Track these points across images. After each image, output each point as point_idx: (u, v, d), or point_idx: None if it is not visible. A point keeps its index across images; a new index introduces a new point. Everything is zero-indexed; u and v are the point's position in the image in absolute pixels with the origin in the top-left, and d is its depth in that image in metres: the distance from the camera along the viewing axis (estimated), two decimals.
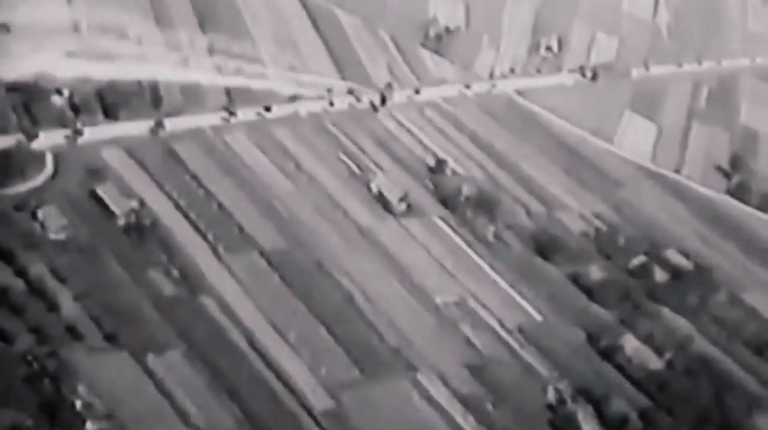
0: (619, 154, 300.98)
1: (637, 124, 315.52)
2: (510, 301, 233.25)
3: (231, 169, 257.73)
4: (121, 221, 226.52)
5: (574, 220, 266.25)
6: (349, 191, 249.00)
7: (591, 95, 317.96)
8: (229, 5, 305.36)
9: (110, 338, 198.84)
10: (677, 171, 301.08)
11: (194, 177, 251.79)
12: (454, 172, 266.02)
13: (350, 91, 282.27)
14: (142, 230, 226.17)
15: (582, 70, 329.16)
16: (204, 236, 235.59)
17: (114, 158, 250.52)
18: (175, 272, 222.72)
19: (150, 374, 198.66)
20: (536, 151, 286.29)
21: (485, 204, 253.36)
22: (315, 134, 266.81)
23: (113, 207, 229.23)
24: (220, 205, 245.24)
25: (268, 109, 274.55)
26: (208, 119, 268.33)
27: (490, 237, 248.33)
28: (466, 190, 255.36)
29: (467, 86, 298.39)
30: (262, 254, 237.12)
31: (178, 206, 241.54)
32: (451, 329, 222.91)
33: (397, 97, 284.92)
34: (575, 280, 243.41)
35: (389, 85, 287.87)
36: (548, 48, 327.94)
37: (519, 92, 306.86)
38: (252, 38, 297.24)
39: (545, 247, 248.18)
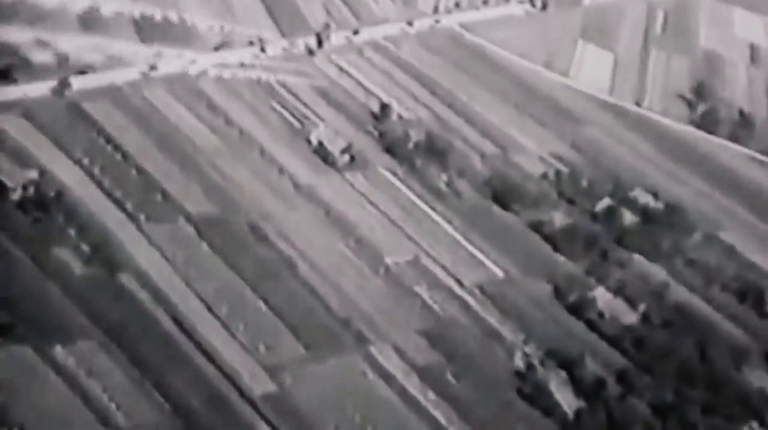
0: (576, 87, 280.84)
1: (592, 54, 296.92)
2: (467, 257, 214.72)
3: (152, 127, 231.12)
4: (16, 195, 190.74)
5: (533, 162, 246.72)
6: (286, 145, 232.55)
7: (541, 26, 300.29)
8: None
9: (5, 331, 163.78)
10: (638, 103, 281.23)
11: (108, 139, 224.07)
12: (400, 117, 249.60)
13: (283, 35, 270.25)
14: (44, 203, 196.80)
15: (531, 0, 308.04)
16: (121, 205, 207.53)
17: (8, 125, 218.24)
18: (86, 248, 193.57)
19: (57, 368, 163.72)
20: (487, 88, 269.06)
21: (435, 150, 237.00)
22: (245, 85, 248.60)
23: (4, 180, 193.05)
24: (138, 169, 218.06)
25: (192, 61, 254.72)
26: (124, 75, 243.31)
27: (443, 186, 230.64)
28: (414, 135, 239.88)
29: (409, 23, 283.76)
30: (188, 220, 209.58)
31: (89, 173, 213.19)
32: (404, 293, 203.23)
33: (335, 39, 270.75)
34: (537, 229, 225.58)
35: (326, 27, 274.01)
36: None
37: (464, 26, 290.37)
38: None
39: (503, 194, 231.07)
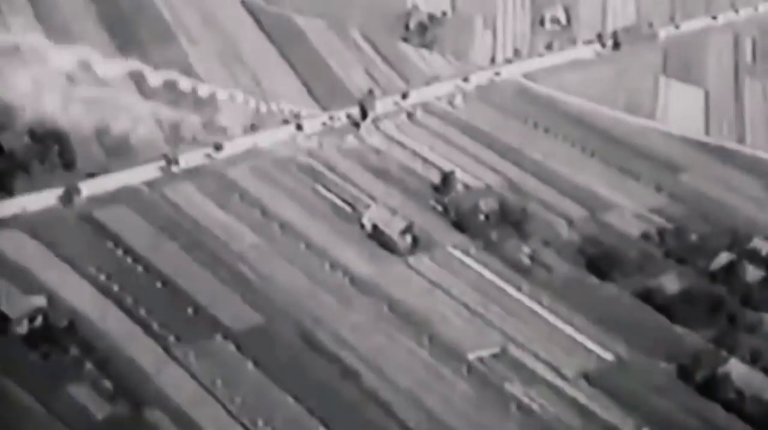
0: (666, 130, 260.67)
1: (679, 92, 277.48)
2: (566, 341, 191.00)
3: (176, 231, 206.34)
4: (21, 328, 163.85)
5: (629, 221, 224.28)
6: (336, 234, 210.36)
7: (616, 66, 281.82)
8: (155, 20, 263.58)
9: None
10: (740, 141, 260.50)
11: (127, 250, 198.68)
12: (466, 186, 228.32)
13: (323, 109, 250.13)
14: (54, 335, 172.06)
15: (600, 39, 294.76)
16: (145, 326, 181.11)
17: (6, 243, 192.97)
18: (108, 384, 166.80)
19: None
20: (563, 142, 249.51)
21: (512, 220, 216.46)
22: (282, 169, 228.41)
23: (6, 311, 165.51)
24: (164, 281, 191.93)
25: (218, 147, 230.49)
26: (140, 173, 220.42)
27: (526, 261, 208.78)
28: (485, 205, 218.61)
29: (465, 79, 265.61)
30: (227, 336, 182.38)
31: (106, 292, 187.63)
32: (494, 394, 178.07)
33: (381, 105, 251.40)
34: (647, 298, 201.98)
35: (370, 93, 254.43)
36: (555, 20, 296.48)
37: (528, 76, 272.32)
38: (189, 64, 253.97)
39: (599, 262, 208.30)
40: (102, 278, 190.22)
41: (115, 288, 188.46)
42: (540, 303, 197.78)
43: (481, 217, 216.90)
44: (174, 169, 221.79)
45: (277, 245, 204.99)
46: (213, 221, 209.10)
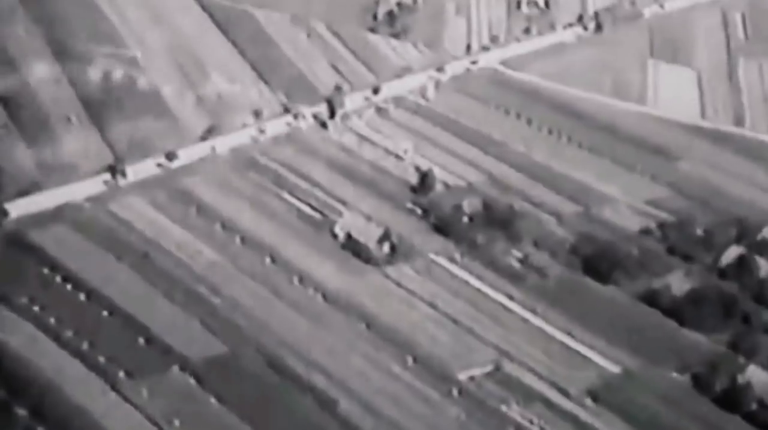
0: (658, 115, 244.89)
1: (669, 74, 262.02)
2: (567, 353, 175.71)
3: (124, 251, 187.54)
4: None
5: (626, 216, 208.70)
6: (305, 245, 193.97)
7: (600, 50, 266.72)
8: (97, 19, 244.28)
9: None
10: (738, 123, 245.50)
11: (67, 275, 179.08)
12: (446, 185, 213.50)
13: (286, 108, 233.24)
14: None
15: (582, 22, 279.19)
16: (89, 361, 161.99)
17: None
18: None
19: None
20: (547, 133, 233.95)
21: (498, 220, 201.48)
22: (243, 176, 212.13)
23: None
24: (111, 310, 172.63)
25: (170, 156, 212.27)
26: (82, 189, 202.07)
27: (516, 265, 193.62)
28: (468, 205, 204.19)
29: (439, 70, 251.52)
30: (184, 367, 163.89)
31: (41, 325, 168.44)
32: (489, 417, 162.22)
33: (350, 102, 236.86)
34: (652, 301, 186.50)
35: (338, 89, 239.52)
36: (532, 3, 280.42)
37: (507, 64, 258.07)
38: (138, 63, 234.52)
39: (597, 262, 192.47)
40: (36, 309, 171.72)
41: (52, 320, 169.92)
42: (535, 312, 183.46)
43: (465, 218, 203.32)
44: (121, 182, 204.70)
45: (240, 261, 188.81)
46: (166, 238, 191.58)
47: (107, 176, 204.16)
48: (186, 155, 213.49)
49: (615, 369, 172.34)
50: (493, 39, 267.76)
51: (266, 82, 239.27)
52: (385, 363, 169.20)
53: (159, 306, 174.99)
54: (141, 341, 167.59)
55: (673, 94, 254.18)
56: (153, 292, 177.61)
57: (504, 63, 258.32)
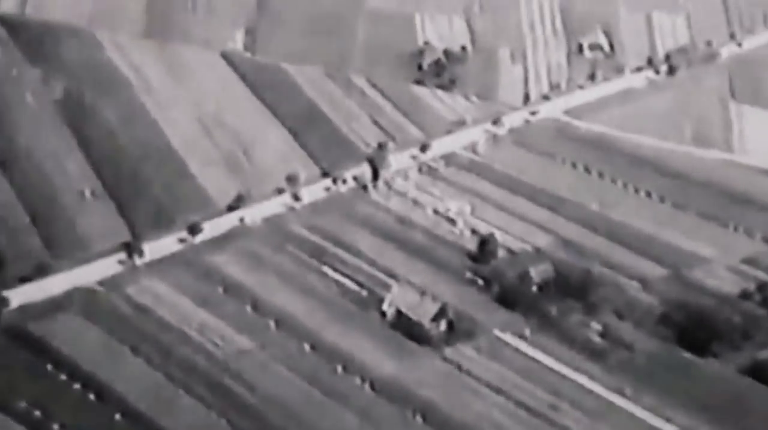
0: (746, 163, 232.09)
1: (754, 118, 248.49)
2: None
3: (141, 341, 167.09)
4: None
5: (721, 277, 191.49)
6: (350, 326, 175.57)
7: (675, 94, 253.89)
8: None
9: None
10: None
11: (73, 372, 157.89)
12: (509, 251, 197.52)
13: (324, 173, 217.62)
14: None
15: (651, 64, 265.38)
16: None
17: None
18: None
19: None
20: (622, 187, 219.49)
21: (572, 289, 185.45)
22: (276, 249, 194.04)
23: None
24: (125, 411, 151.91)
25: (194, 230, 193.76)
26: (93, 271, 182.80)
27: (597, 339, 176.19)
28: (537, 273, 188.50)
29: (495, 122, 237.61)
30: None
31: None
32: None
33: (396, 161, 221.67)
34: (759, 374, 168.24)
35: (381, 148, 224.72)
36: (595, 46, 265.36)
37: (571, 113, 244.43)
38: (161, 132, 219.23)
39: (692, 332, 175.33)
40: (37, 414, 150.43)
41: (55, 427, 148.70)
42: (622, 393, 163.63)
43: (534, 288, 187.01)
44: (138, 261, 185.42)
45: (274, 348, 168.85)
46: (190, 324, 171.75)
47: (122, 256, 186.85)
48: (212, 228, 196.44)
49: None
50: (554, 87, 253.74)
51: (301, 143, 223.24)
52: None
53: (181, 405, 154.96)
54: None
55: (761, 139, 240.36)
56: (173, 389, 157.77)
57: (568, 112, 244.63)
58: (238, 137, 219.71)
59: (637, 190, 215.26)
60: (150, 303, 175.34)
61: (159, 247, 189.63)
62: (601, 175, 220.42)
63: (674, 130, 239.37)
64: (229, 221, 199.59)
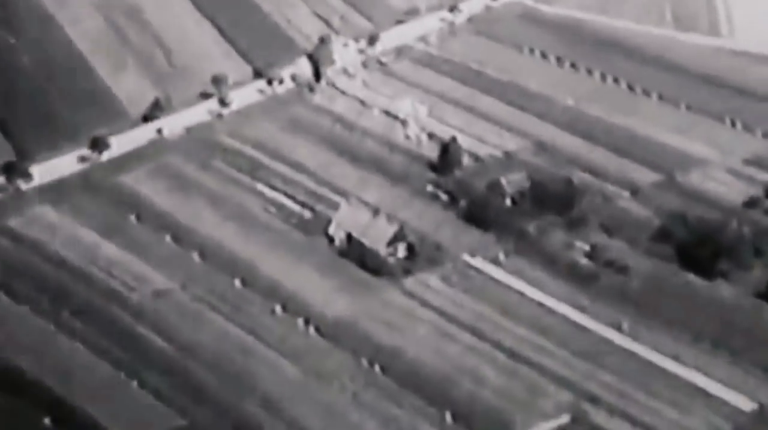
0: (738, 48, 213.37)
1: None
2: (673, 387, 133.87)
3: (29, 283, 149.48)
4: None
5: (723, 181, 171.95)
6: (290, 255, 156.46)
7: None
8: None
9: None
10: None
11: None
12: (475, 157, 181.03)
13: (257, 72, 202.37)
14: None
15: None
16: None
17: None
18: None
19: None
20: (600, 79, 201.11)
21: (552, 199, 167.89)
22: (201, 165, 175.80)
23: None
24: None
25: (98, 145, 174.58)
26: None
27: (583, 260, 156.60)
28: (510, 183, 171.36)
29: (452, 10, 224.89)
30: None
31: None
32: None
33: (342, 57, 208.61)
34: None
35: (322, 42, 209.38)
36: None
37: None
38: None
39: (694, 249, 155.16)
40: None
41: None
42: (619, 329, 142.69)
43: (507, 201, 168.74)
44: (23, 186, 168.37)
45: (199, 285, 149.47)
46: (93, 260, 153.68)
47: (1, 180, 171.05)
48: (122, 143, 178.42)
49: (747, 406, 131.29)
50: None
51: (229, 39, 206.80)
52: (413, 425, 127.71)
53: (78, 364, 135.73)
54: None
55: (753, 22, 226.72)
56: (69, 342, 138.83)
57: None
58: (154, 34, 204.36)
59: (617, 82, 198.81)
60: (40, 236, 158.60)
61: (53, 167, 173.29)
62: (574, 65, 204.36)
63: (653, 12, 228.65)
64: (144, 133, 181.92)
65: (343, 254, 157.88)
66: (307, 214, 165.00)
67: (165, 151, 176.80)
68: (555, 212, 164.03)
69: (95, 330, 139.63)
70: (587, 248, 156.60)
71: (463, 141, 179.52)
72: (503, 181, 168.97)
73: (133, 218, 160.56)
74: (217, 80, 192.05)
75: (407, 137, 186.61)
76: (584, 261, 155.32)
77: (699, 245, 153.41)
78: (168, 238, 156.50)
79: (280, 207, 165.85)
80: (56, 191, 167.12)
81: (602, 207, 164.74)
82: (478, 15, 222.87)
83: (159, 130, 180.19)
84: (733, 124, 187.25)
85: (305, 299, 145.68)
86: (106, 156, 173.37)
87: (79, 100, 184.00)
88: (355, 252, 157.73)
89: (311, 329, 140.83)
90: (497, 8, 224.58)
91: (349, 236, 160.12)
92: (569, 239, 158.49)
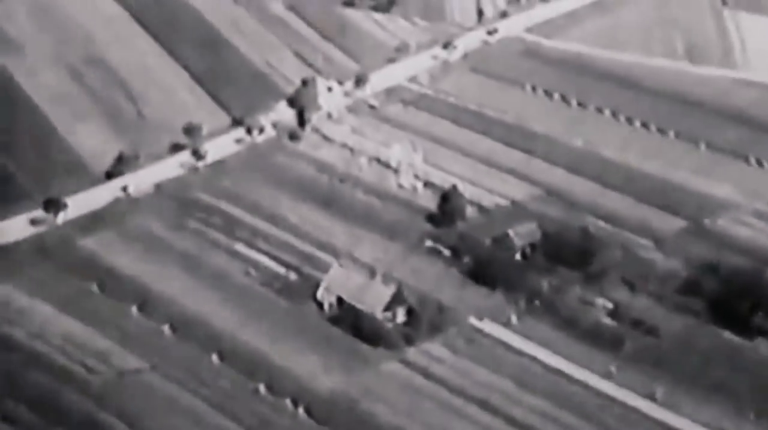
0: (753, 78, 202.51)
1: (756, 27, 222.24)
2: None
3: None
4: None
5: (751, 225, 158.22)
6: (274, 325, 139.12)
7: (657, 4, 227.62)
8: None
9: None
10: None
11: None
12: (479, 207, 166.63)
13: (234, 120, 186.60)
14: None
15: None
16: None
17: None
18: None
19: None
20: (612, 116, 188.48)
21: (567, 252, 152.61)
22: (174, 225, 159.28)
23: None
24: None
25: (53, 206, 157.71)
26: None
27: (606, 320, 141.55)
28: (519, 236, 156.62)
29: (446, 46, 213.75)
30: None
31: None
32: None
33: (326, 101, 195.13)
34: None
35: (305, 85, 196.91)
36: None
37: (535, 30, 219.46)
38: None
39: (730, 304, 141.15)
40: None
41: None
42: (651, 398, 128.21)
43: (517, 256, 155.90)
44: None
45: (170, 364, 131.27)
46: (49, 338, 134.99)
47: None
48: (81, 203, 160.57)
49: None
50: (513, 0, 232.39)
51: (203, 84, 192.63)
52: None
53: None
54: None
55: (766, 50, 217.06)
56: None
57: (532, 30, 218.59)
58: (119, 81, 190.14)
59: (629, 120, 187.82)
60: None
61: (1, 232, 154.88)
62: (581, 103, 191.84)
63: (662, 45, 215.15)
64: (108, 191, 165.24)
65: (334, 321, 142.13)
66: (293, 276, 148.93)
67: (131, 210, 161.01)
68: (571, 267, 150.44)
69: (48, 421, 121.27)
70: (609, 305, 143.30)
71: (465, 189, 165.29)
72: (511, 233, 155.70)
73: (94, 287, 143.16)
74: (191, 130, 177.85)
75: (401, 186, 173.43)
76: (607, 321, 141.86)
77: (734, 297, 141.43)
78: (134, 310, 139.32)
79: (263, 270, 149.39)
80: (4, 258, 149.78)
81: (623, 259, 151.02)
82: (474, 51, 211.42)
83: (124, 188, 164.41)
84: (759, 163, 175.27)
85: (293, 375, 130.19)
86: (62, 218, 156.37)
87: (34, 156, 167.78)
88: (348, 319, 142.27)
89: (300, 411, 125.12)
90: (495, 44, 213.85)
91: (340, 301, 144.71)
92: (588, 297, 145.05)
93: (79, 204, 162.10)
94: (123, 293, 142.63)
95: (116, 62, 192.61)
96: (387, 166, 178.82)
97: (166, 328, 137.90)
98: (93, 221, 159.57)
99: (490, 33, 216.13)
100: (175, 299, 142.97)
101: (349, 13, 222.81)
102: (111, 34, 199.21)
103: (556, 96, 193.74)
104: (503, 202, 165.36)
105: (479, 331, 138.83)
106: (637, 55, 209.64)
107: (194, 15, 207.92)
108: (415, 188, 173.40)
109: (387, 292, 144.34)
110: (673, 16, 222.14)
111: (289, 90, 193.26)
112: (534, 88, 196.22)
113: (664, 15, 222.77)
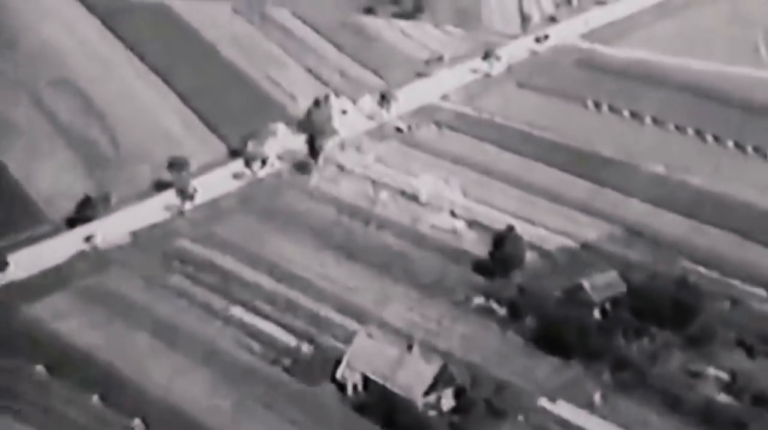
0: None
1: None
2: None
3: None
4: None
5: None
6: (283, 415, 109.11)
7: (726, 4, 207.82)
8: None
9: None
10: None
11: None
12: (540, 252, 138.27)
13: (232, 151, 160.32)
14: None
15: None
16: None
17: None
18: None
19: None
20: (696, 136, 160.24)
21: (661, 310, 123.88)
22: (152, 283, 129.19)
23: None
24: None
25: None
26: None
27: (718, 395, 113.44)
28: (596, 289, 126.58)
29: (487, 56, 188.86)
30: None
31: None
32: None
33: (344, 125, 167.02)
34: None
35: (317, 105, 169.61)
36: None
37: (592, 37, 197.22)
38: None
39: None
40: None
41: None
42: None
43: (595, 314, 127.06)
44: None
45: None
46: None
47: None
48: (32, 258, 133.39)
49: None
50: (563, 3, 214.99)
51: (193, 108, 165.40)
52: None
53: None
54: None
55: None
56: None
57: (588, 36, 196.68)
58: (92, 108, 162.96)
59: (718, 140, 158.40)
60: None
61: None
62: (657, 121, 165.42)
63: (742, 46, 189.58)
64: (68, 243, 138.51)
65: (360, 408, 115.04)
66: (306, 349, 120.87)
67: (98, 267, 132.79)
68: (667, 327, 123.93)
69: None
70: (724, 376, 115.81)
71: (521, 229, 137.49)
72: (586, 284, 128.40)
73: (40, 369, 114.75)
74: (176, 164, 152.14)
75: (434, 227, 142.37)
76: (721, 397, 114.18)
77: None
78: (95, 399, 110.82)
79: (266, 341, 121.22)
80: None
81: (734, 315, 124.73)
82: (520, 63, 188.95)
83: (89, 238, 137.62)
84: None
85: None
86: (4, 279, 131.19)
87: None
88: (378, 405, 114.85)
89: None
90: (545, 54, 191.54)
91: (367, 381, 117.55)
92: (694, 366, 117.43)
93: (27, 261, 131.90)
94: (81, 377, 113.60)
95: (87, 85, 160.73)
96: (419, 201, 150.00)
97: (137, 424, 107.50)
98: (46, 280, 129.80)
99: (538, 40, 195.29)
100: (148, 384, 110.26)
101: (369, 21, 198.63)
102: (81, 50, 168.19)
103: (624, 112, 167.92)
104: (571, 244, 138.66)
105: (553, 416, 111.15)
106: (714, 63, 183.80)
107: (182, 24, 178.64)
108: (454, 229, 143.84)
109: (429, 369, 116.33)
110: (750, 13, 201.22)
111: (298, 112, 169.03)
112: (596, 104, 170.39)
113: (741, 14, 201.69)
